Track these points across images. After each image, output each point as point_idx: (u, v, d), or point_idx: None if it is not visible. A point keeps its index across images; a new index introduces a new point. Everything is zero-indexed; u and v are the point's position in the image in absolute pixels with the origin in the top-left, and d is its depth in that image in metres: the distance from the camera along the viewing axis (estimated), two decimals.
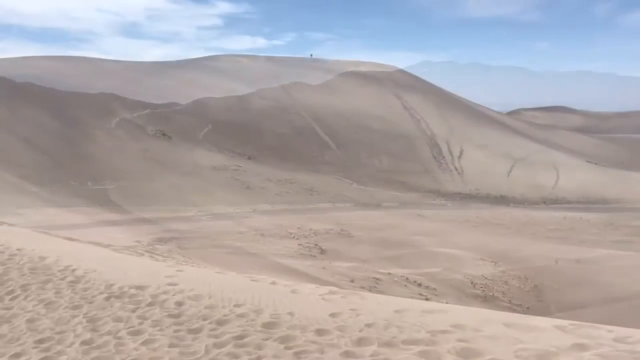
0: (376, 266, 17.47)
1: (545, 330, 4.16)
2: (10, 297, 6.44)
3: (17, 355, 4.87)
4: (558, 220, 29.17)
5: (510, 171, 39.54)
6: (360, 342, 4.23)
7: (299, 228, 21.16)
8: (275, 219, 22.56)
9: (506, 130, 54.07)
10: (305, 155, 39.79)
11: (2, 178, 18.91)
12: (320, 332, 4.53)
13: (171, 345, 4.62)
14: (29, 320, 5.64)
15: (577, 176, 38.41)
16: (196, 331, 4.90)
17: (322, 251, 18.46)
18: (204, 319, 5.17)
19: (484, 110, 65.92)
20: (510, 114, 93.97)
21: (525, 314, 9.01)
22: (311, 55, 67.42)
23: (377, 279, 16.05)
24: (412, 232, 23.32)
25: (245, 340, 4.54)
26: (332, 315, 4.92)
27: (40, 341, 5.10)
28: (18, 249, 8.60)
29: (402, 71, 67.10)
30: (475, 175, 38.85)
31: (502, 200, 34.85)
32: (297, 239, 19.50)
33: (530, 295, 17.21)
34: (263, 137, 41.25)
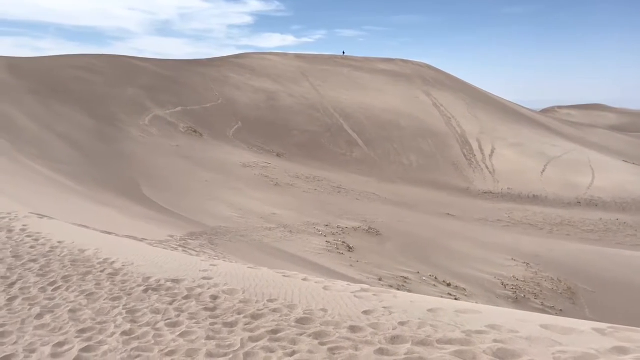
0: (404, 265, 17.38)
1: (584, 332, 4.09)
2: (52, 288, 6.69)
3: (61, 344, 5.06)
4: (593, 222, 28.39)
5: (543, 170, 38.63)
6: (394, 340, 4.24)
7: (326, 225, 21.21)
8: (303, 216, 22.67)
9: (539, 128, 52.83)
10: (334, 153, 39.82)
11: (41, 173, 19.57)
12: (353, 329, 4.57)
13: (208, 338, 4.74)
14: (71, 311, 5.86)
15: (613, 176, 37.22)
16: (231, 325, 5.00)
17: (350, 249, 18.47)
18: (239, 313, 5.27)
19: (516, 107, 64.57)
20: (544, 111, 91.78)
21: (558, 316, 8.81)
22: (343, 52, 67.11)
23: (406, 277, 15.96)
24: (441, 231, 23.09)
25: (280, 335, 4.62)
26: (365, 312, 4.95)
27: (82, 331, 5.29)
28: (59, 242, 8.92)
29: (431, 68, 66.33)
30: (507, 174, 38.12)
31: (534, 200, 34.11)
32: (324, 236, 19.56)
33: (564, 297, 16.83)
34: (292, 135, 41.46)
